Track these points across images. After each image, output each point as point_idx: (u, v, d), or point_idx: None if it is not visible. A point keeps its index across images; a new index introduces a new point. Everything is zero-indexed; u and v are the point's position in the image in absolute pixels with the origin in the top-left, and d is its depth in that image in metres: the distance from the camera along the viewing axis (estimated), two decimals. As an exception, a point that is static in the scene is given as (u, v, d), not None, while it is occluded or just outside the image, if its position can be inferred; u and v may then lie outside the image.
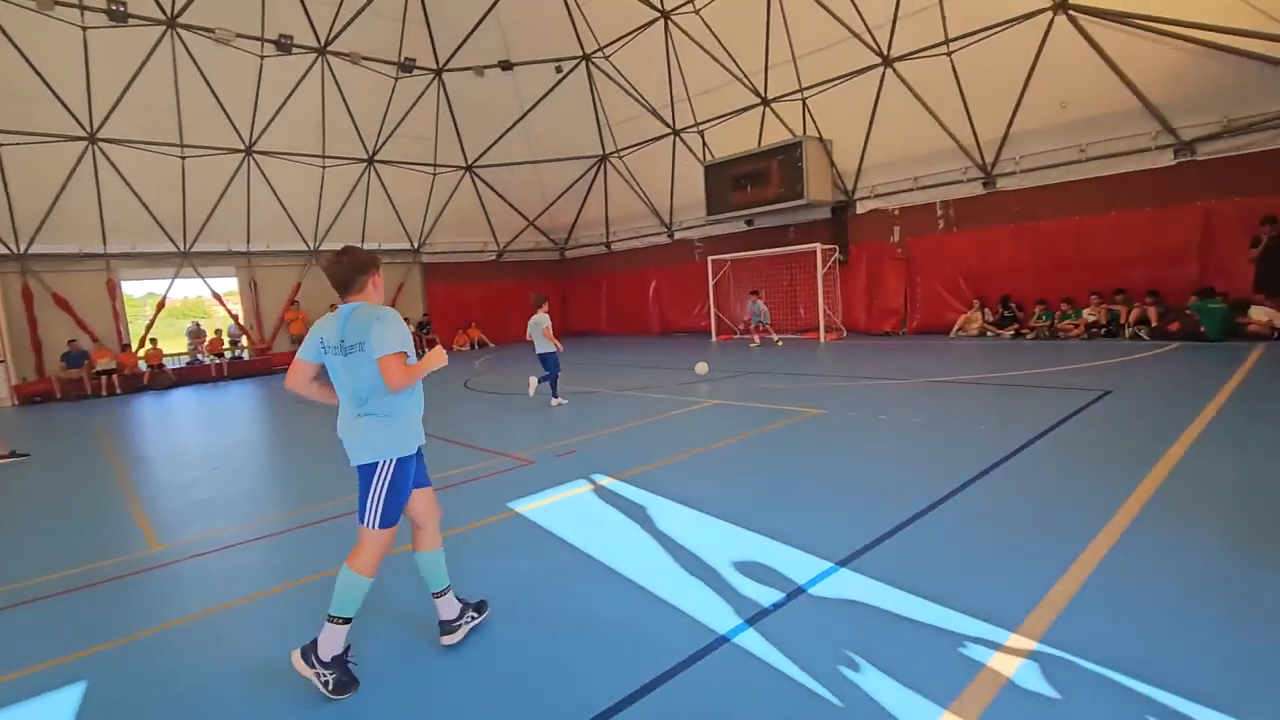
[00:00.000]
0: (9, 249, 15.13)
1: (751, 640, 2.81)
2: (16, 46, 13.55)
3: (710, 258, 18.30)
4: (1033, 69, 12.08)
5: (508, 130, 20.49)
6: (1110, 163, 12.15)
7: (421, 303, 22.24)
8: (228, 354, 18.74)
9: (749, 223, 18.01)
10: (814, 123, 15.68)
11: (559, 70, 18.90)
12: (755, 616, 3.01)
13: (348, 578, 2.72)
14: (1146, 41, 10.86)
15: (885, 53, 13.69)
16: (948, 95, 13.31)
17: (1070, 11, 11.28)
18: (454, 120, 20.17)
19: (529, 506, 4.78)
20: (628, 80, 18.37)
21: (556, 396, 9.20)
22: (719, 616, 3.03)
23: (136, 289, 18.96)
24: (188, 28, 15.05)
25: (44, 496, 6.54)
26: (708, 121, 17.76)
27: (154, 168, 16.19)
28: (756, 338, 15.47)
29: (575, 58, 18.74)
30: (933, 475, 4.82)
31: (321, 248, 19.81)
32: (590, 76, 19.11)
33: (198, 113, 16.13)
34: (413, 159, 20.24)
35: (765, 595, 3.20)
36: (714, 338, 18.06)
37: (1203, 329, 10.51)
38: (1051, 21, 11.54)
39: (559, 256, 25.24)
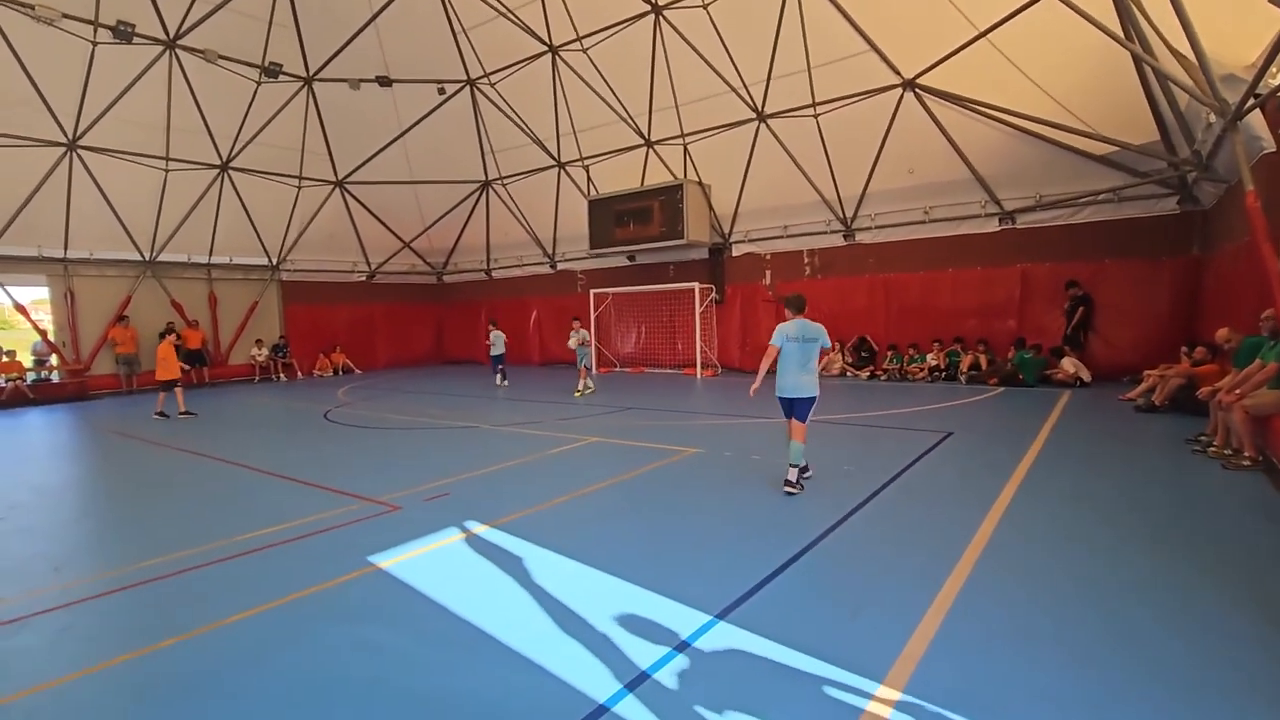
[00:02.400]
0: None
1: (631, 708, 2.70)
2: None
3: (593, 290, 18.39)
4: (886, 136, 13.39)
5: (384, 147, 19.54)
6: (948, 225, 13.69)
7: (279, 323, 20.42)
8: (30, 375, 16.07)
9: (631, 258, 18.33)
10: (694, 167, 16.36)
11: (441, 91, 18.38)
12: (634, 681, 2.90)
13: (797, 445, 5.73)
14: (976, 121, 12.42)
15: (760, 109, 14.62)
16: (815, 153, 14.41)
17: (916, 90, 12.67)
18: (324, 132, 18.93)
19: (392, 561, 4.39)
20: (513, 109, 18.23)
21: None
22: (597, 681, 2.90)
23: (-92, 295, 15.85)
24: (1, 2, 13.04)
25: None
26: (593, 157, 18.00)
27: (-58, 155, 13.72)
28: (582, 379, 13.25)
29: (459, 81, 18.33)
30: (804, 519, 5.01)
31: (160, 259, 17.67)
32: (475, 101, 18.76)
33: (9, 99, 13.93)
34: (274, 169, 18.70)
35: (645, 654, 3.11)
36: (594, 369, 18.03)
37: (1020, 376, 11.98)
38: (901, 97, 12.89)
39: (436, 280, 24.28)
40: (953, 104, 12.41)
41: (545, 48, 16.45)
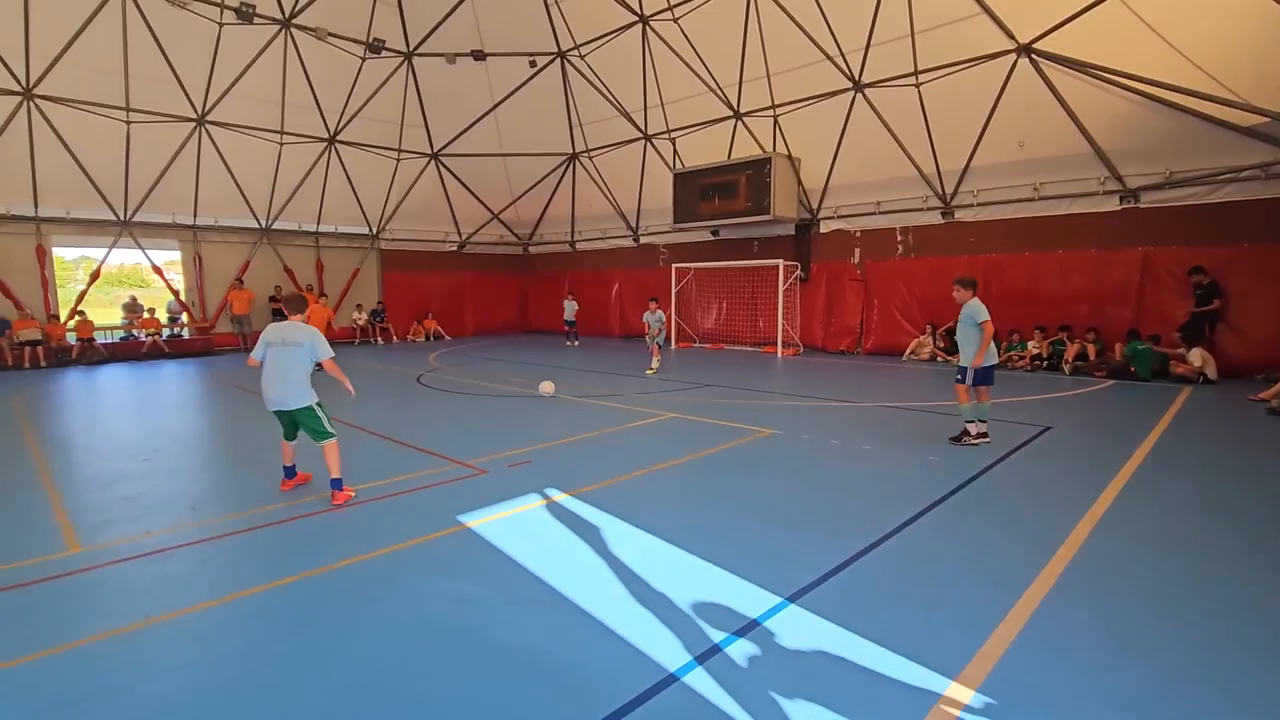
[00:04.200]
0: (-74, 205, 14.07)
1: (700, 680, 2.80)
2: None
3: (675, 264, 18.36)
4: (994, 107, 12.50)
5: (477, 120, 20.12)
6: (1060, 203, 12.69)
7: (377, 290, 21.65)
8: (165, 331, 17.85)
9: (715, 233, 18.13)
10: (784, 140, 15.89)
11: (533, 65, 18.64)
12: (705, 654, 3.00)
13: (979, 406, 6.62)
14: (1101, 91, 11.37)
15: (856, 78, 13.96)
16: (914, 124, 13.66)
17: (1033, 55, 11.71)
18: (421, 106, 19.69)
19: (479, 521, 4.67)
20: (602, 81, 18.26)
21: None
22: (669, 651, 3.01)
23: (69, 253, 17.84)
24: (141, -14, 14.26)
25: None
26: (680, 129, 17.80)
27: (96, 131, 15.27)
28: (655, 359, 13.15)
29: (550, 54, 18.52)
30: (882, 507, 4.91)
31: (274, 226, 19.07)
32: (564, 74, 18.92)
33: (148, 77, 15.29)
34: (376, 142, 19.66)
35: (715, 630, 3.19)
36: (673, 345, 18.12)
37: (1133, 369, 11.06)
38: (1015, 64, 11.96)
39: (522, 251, 24.93)
40: (1074, 71, 11.41)
41: (636, 17, 16.32)
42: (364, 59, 17.98)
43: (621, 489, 5.47)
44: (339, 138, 18.89)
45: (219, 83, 16.22)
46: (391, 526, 4.68)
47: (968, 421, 6.76)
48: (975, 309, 6.71)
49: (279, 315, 18.78)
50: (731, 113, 16.48)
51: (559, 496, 5.21)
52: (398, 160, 20.39)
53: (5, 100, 14.07)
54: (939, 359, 13.84)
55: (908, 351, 14.43)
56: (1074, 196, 12.53)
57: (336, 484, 5.17)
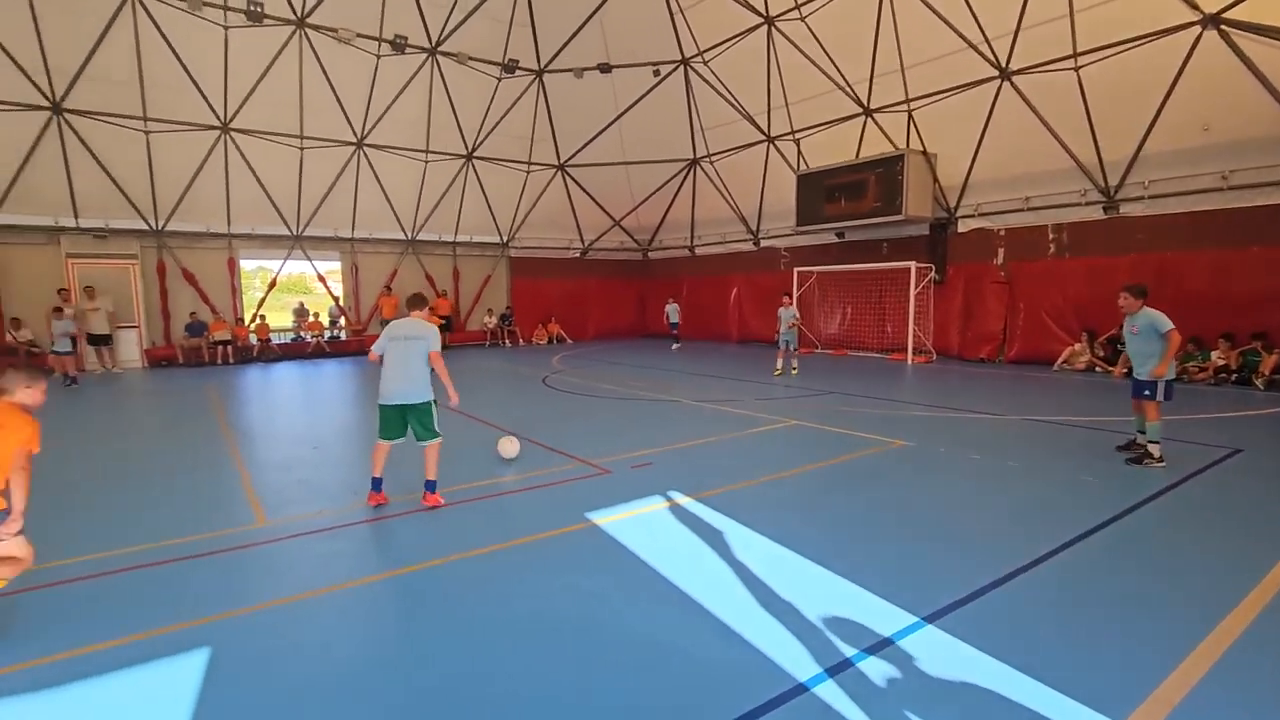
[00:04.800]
0: (150, 226, 16.66)
1: (831, 692, 2.72)
2: (169, 43, 14.87)
3: (797, 268, 17.93)
4: (1172, 86, 11.11)
5: (602, 131, 20.79)
6: (1255, 193, 11.02)
7: (506, 295, 22.91)
8: (327, 333, 19.94)
9: (840, 235, 17.51)
10: (919, 135, 15.04)
11: (656, 74, 18.98)
12: (836, 667, 2.90)
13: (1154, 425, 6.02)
14: (1311, 60, 9.78)
15: (1004, 65, 12.94)
16: (1071, 112, 12.44)
17: (1222, 26, 10.29)
18: (550, 120, 20.65)
19: (606, 519, 4.81)
20: (725, 85, 18.23)
21: None
22: (797, 661, 2.95)
23: (249, 264, 20.39)
24: (315, 28, 16.10)
25: (163, 460, 7.16)
26: (804, 130, 17.38)
27: (276, 157, 17.42)
28: (792, 359, 13.05)
29: (674, 62, 18.77)
30: (1031, 530, 4.51)
31: (419, 238, 20.75)
32: (687, 80, 19.10)
33: (318, 107, 17.23)
34: (509, 156, 20.86)
35: (845, 644, 3.08)
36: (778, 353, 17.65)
37: (1356, 384, 9.37)
38: (1199, 37, 10.57)
39: (641, 257, 25.40)
40: (1274, 41, 9.89)
41: (761, 19, 16.15)
42: (500, 79, 19.16)
43: (744, 494, 5.42)
44: (476, 154, 20.25)
45: (376, 109, 17.94)
46: (522, 519, 4.94)
47: (1151, 442, 6.05)
48: (1156, 318, 6.13)
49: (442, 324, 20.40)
50: (861, 110, 15.85)
51: (682, 499, 5.25)
52: (527, 173, 21.50)
53: (208, 135, 16.39)
54: (1097, 369, 12.47)
55: (1059, 361, 13.14)
56: (1274, 185, 10.83)
57: (431, 486, 5.17)
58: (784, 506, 5.17)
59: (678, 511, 4.99)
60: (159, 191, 16.44)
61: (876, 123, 15.75)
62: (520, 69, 19.13)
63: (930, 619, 3.30)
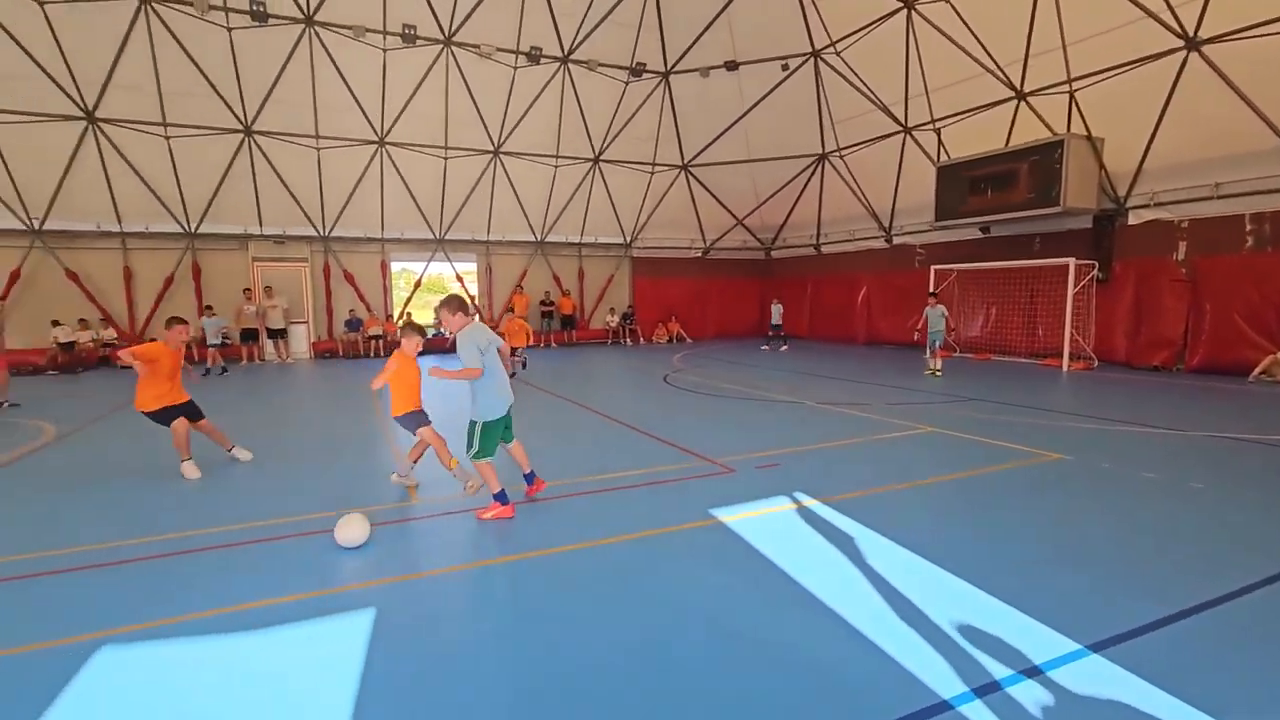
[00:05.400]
0: (318, 232, 18.70)
1: (979, 713, 2.51)
2: (337, 68, 16.58)
3: (934, 266, 16.81)
4: None
5: (726, 129, 20.66)
6: None
7: (628, 294, 23.37)
8: (465, 329, 21.34)
9: (984, 230, 16.20)
10: (1081, 118, 13.57)
11: (785, 68, 18.56)
12: (984, 688, 2.68)
13: None
14: None
15: (1191, 34, 11.37)
16: (1276, 81, 10.70)
17: None
18: (675, 120, 20.82)
19: (731, 517, 4.77)
20: (858, 76, 17.46)
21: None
22: (939, 678, 2.76)
23: (396, 266, 22.28)
24: (460, 45, 17.29)
25: (330, 438, 8.00)
26: (946, 118, 16.26)
27: (423, 167, 18.92)
28: (937, 360, 12.75)
29: (803, 55, 18.26)
30: (1221, 561, 3.93)
31: (547, 239, 21.68)
32: (817, 73, 18.50)
33: (461, 119, 18.50)
34: (634, 158, 21.27)
35: (995, 664, 2.84)
36: (928, 353, 16.57)
37: None
38: None
39: (764, 256, 24.95)
40: None
41: (900, 3, 15.31)
42: (627, 83, 19.59)
43: (877, 501, 5.16)
44: (603, 157, 20.83)
45: (511, 119, 18.97)
46: (649, 512, 5.01)
47: None
48: None
49: (548, 318, 21.38)
50: (1013, 93, 14.57)
51: (809, 502, 5.09)
52: (651, 173, 21.81)
53: (366, 149, 18.11)
54: (1308, 382, 10.62)
55: (1257, 371, 11.34)
56: None
57: (531, 476, 5.28)
58: (921, 516, 4.86)
59: (806, 514, 4.84)
60: (326, 201, 18.40)
61: (1031, 107, 14.40)
62: (647, 72, 19.45)
63: (1096, 648, 2.97)
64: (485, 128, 18.95)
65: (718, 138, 20.91)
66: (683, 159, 21.72)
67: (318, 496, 5.46)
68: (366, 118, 17.64)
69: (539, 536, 4.54)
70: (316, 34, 16.06)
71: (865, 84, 17.46)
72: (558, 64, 18.59)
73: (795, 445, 7.08)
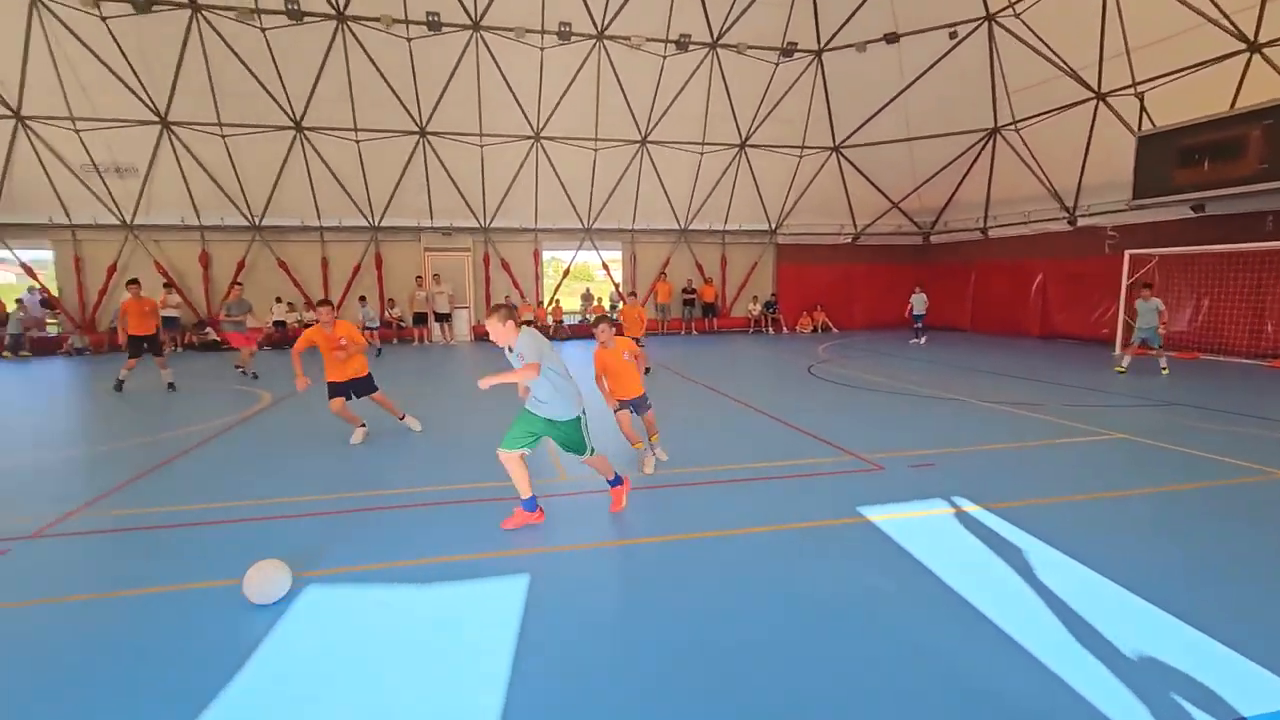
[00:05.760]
0: (479, 223, 20.19)
1: (1182, 769, 2.20)
2: (500, 68, 17.70)
3: (1128, 251, 14.71)
4: None
5: (883, 107, 19.41)
6: None
7: (771, 282, 22.85)
8: (611, 316, 22.10)
9: (1198, 208, 13.88)
10: (1339, 69, 11.15)
11: (953, 36, 17.04)
12: (1189, 738, 2.34)
13: None
14: None
15: None
16: None
17: None
18: (827, 100, 19.91)
19: (882, 517, 4.53)
20: (1041, 39, 15.61)
21: None
22: (1128, 712, 2.44)
23: (546, 254, 23.46)
24: (612, 38, 17.74)
25: (487, 414, 8.65)
26: (1151, 80, 14.07)
27: (573, 159, 19.71)
28: (1126, 358, 11.90)
29: (976, 19, 16.65)
30: None
31: (690, 227, 21.75)
32: (991, 39, 16.79)
33: (610, 110, 19.02)
34: (781, 142, 20.67)
35: (1198, 711, 2.46)
36: (1118, 349, 14.58)
37: None
38: None
39: (922, 241, 23.22)
40: None
41: (1095, -48, 13.45)
42: (777, 64, 19.04)
43: (1049, 511, 4.66)
44: (749, 142, 20.46)
45: (659, 107, 19.18)
46: (794, 504, 4.90)
47: None
48: None
49: (689, 305, 21.49)
50: (1243, 45, 12.28)
51: (970, 507, 4.71)
52: (800, 157, 21.07)
53: (523, 144, 19.19)
54: None
55: None
56: None
57: (531, 504, 4.54)
58: (1108, 533, 4.31)
59: (966, 520, 4.48)
60: (488, 194, 19.78)
61: (1269, 60, 12.06)
62: (798, 51, 18.76)
63: (1346, 710, 2.47)
64: (633, 117, 19.32)
65: (874, 116, 19.71)
66: (834, 140, 20.75)
67: (481, 467, 5.93)
68: (524, 114, 18.68)
69: (681, 520, 4.61)
70: (482, 38, 17.22)
71: (1050, 47, 15.57)
72: (706, 49, 18.48)
73: (954, 445, 6.56)
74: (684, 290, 21.63)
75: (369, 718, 2.55)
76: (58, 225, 17.36)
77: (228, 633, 3.16)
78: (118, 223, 17.63)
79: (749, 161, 20.88)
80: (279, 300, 18.34)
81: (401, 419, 7.47)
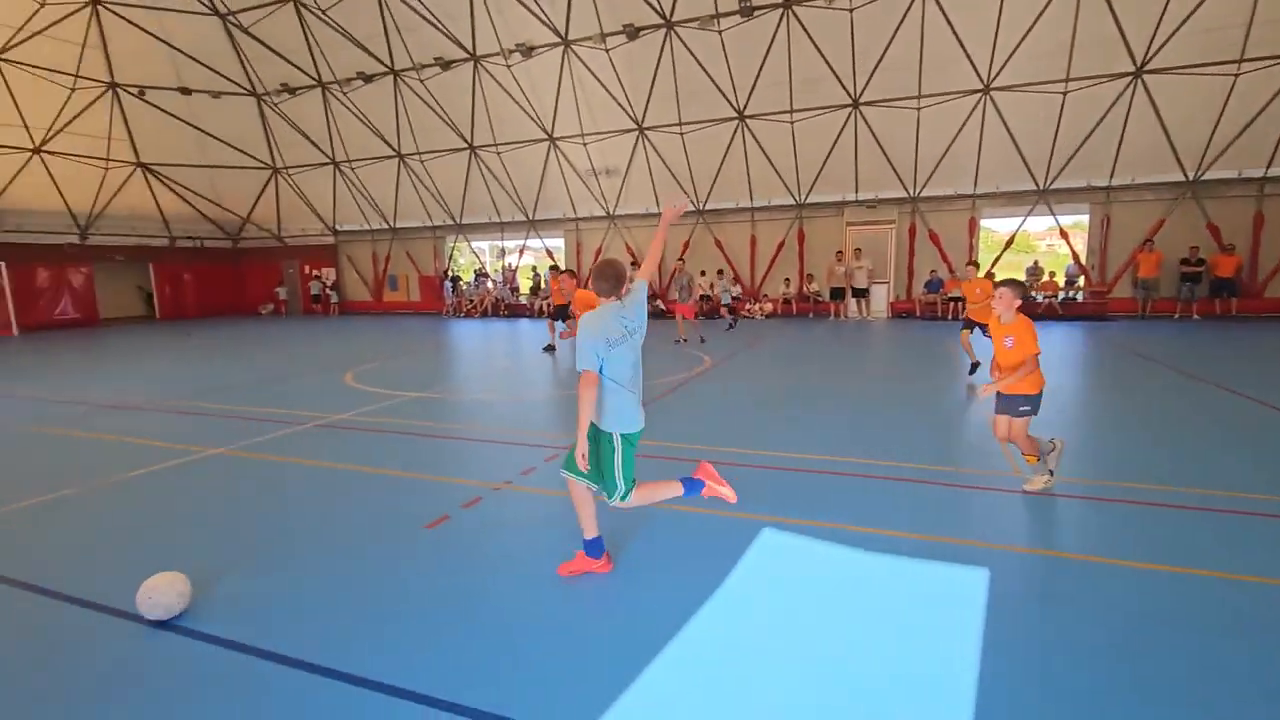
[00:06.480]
0: (908, 194, 18.96)
1: None
2: (946, 17, 16.05)
3: None
4: None
5: None
6: None
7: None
8: (1060, 294, 18.34)
9: None
10: None
11: None
12: None
13: None
14: None
15: None
16: None
17: None
18: None
19: None
20: None
21: None
22: None
23: (986, 223, 20.58)
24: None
25: (919, 397, 8.08)
26: None
27: (1032, 109, 16.73)
28: None
29: None
30: None
31: (1204, 177, 16.36)
32: None
33: (1089, 41, 15.48)
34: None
35: None
36: None
37: None
38: None
39: None
40: None
41: None
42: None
43: None
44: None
45: (1169, 22, 14.77)
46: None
47: None
48: None
49: (1189, 279, 16.32)
50: None
51: None
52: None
53: (968, 101, 17.12)
54: None
55: None
56: None
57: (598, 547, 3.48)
58: None
59: None
60: (920, 161, 18.40)
61: None
62: None
63: None
64: (1126, 43, 15.30)
65: None
66: None
67: (924, 448, 5.56)
68: (973, 65, 16.64)
69: (1197, 555, 3.47)
70: (932, -8, 15.87)
71: None
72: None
73: None
74: (1183, 261, 16.41)
75: (826, 661, 2.58)
76: (569, 219, 22.97)
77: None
78: (603, 214, 22.35)
79: (1321, 76, 14.50)
80: (703, 273, 20.54)
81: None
